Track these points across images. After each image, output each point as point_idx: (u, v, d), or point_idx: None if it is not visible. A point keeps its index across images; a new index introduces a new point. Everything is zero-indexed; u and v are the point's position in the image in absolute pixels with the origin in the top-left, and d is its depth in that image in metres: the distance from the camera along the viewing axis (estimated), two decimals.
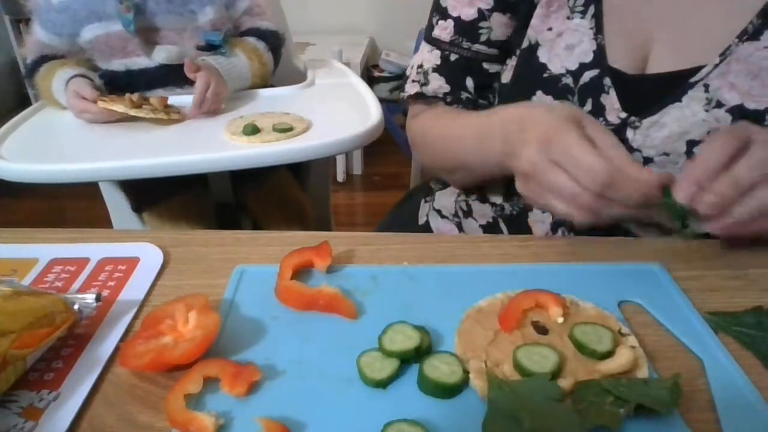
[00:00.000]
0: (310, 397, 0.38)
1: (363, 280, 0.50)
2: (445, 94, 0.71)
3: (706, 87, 0.56)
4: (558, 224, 0.65)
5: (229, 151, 0.75)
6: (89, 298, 0.44)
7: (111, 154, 0.76)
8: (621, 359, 0.39)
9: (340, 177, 2.48)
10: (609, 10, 0.61)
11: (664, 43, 0.59)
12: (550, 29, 0.63)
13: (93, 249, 0.54)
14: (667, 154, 0.58)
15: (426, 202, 0.85)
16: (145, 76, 0.95)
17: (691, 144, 0.57)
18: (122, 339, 0.43)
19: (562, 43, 0.62)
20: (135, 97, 0.84)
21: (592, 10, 0.61)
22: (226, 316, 0.45)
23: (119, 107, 0.82)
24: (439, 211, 0.79)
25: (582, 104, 0.61)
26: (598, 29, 0.61)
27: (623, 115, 0.60)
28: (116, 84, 0.96)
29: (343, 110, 0.88)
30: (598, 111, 0.60)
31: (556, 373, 0.38)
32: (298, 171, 1.21)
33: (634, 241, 0.58)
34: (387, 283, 0.49)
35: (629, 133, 0.59)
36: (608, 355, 0.40)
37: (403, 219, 0.93)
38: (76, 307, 0.43)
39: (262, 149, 0.76)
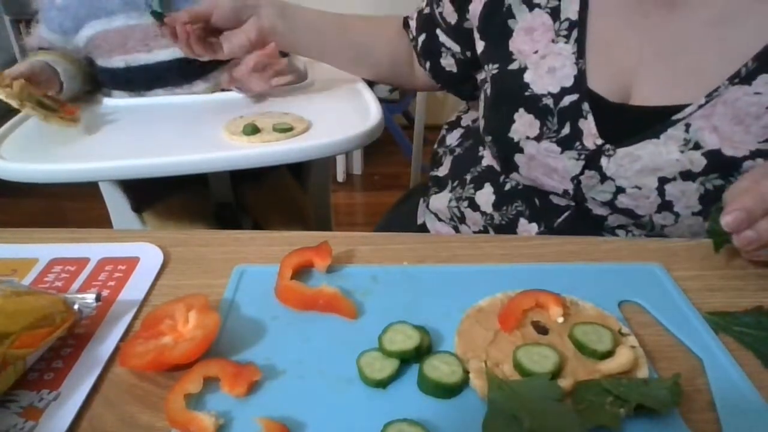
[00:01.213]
0: (310, 397, 0.38)
1: (363, 280, 0.50)
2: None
3: (687, 127, 0.56)
4: (541, 234, 0.66)
5: (229, 151, 0.75)
6: (89, 298, 0.44)
7: (111, 154, 0.76)
8: (621, 359, 0.39)
9: (340, 177, 2.48)
10: (593, 36, 0.61)
11: (650, 77, 0.59)
12: (536, 52, 0.63)
13: (93, 249, 0.54)
14: (639, 188, 0.58)
15: (424, 201, 0.85)
16: (145, 73, 0.95)
17: (663, 181, 0.57)
18: (122, 339, 0.43)
19: (545, 66, 0.62)
20: (7, 78, 0.79)
21: (575, 34, 0.61)
22: (226, 316, 0.45)
23: None
24: (435, 215, 0.79)
25: (561, 126, 0.61)
26: (580, 54, 0.61)
27: (599, 141, 0.60)
28: (117, 81, 0.96)
29: (343, 110, 0.88)
30: (576, 135, 0.61)
31: (556, 373, 0.38)
32: (298, 171, 1.21)
33: (634, 241, 0.58)
34: (387, 283, 0.49)
35: (603, 161, 0.59)
36: (608, 355, 0.40)
37: (402, 219, 0.93)
38: (76, 307, 0.43)
39: (262, 149, 0.76)
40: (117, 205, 1.09)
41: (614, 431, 0.35)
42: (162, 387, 0.39)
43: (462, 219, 0.74)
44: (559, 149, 0.61)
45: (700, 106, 0.55)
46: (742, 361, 0.42)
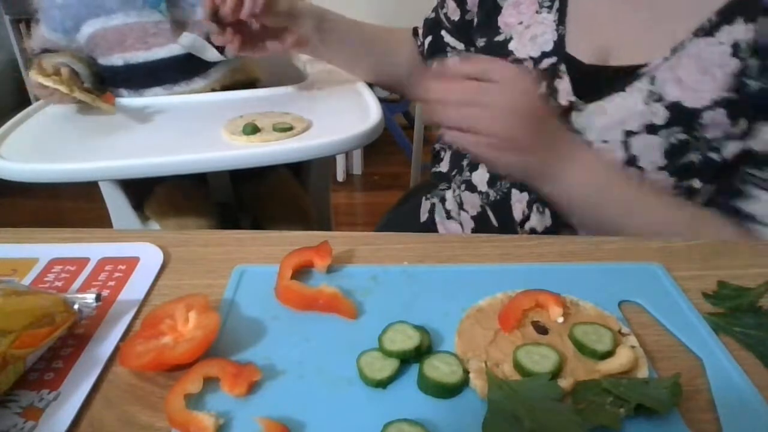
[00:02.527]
0: (310, 397, 0.38)
1: (363, 280, 0.50)
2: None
3: (653, 79, 0.59)
4: (533, 201, 0.68)
5: (229, 151, 0.75)
6: (89, 298, 0.44)
7: (111, 154, 0.76)
8: (621, 359, 0.39)
9: (340, 177, 2.48)
10: (574, 5, 0.65)
11: (625, 38, 0.62)
12: (521, 23, 0.68)
13: (93, 249, 0.54)
14: (606, 142, 0.61)
15: (427, 199, 0.85)
16: (144, 70, 0.95)
17: (628, 134, 0.60)
18: (122, 339, 0.43)
19: (528, 34, 0.67)
20: (49, 67, 0.83)
21: (557, 4, 0.66)
22: (226, 316, 0.45)
23: (36, 76, 0.81)
24: (448, 212, 0.79)
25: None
26: (561, 21, 0.65)
27: (572, 98, 0.63)
28: (117, 79, 0.96)
29: (343, 110, 0.88)
30: (552, 94, 0.64)
31: (556, 373, 0.38)
32: (298, 171, 1.21)
33: (634, 241, 0.58)
34: (387, 283, 0.49)
35: (574, 115, 0.63)
36: (608, 355, 0.40)
37: (402, 218, 0.94)
38: (76, 307, 0.43)
39: (262, 149, 0.76)
40: (117, 205, 1.09)
41: (614, 431, 0.35)
42: (162, 387, 0.39)
43: (461, 205, 0.75)
44: None
45: (665, 59, 0.58)
46: (742, 361, 0.42)
